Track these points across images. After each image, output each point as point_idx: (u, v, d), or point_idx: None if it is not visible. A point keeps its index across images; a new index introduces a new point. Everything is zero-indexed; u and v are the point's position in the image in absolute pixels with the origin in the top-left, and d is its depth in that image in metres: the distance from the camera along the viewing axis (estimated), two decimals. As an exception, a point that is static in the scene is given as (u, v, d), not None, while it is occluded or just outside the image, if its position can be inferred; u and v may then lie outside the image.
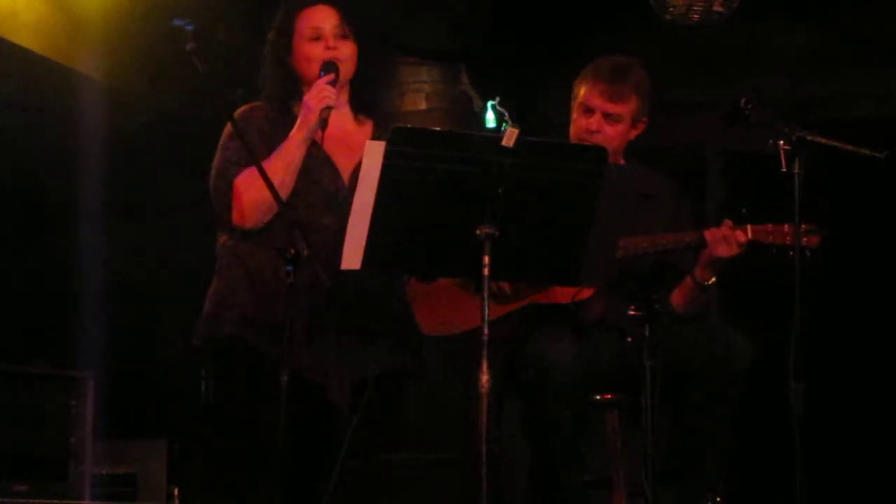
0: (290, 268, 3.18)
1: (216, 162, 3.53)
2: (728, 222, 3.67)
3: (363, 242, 3.09)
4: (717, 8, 4.95)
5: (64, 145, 5.17)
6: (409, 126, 3.13)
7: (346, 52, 3.55)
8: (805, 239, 3.50)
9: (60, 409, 4.87)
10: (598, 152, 3.30)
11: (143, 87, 5.47)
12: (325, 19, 3.57)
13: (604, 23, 5.96)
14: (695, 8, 4.94)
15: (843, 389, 5.55)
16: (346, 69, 3.55)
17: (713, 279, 3.74)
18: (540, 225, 3.18)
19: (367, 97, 3.65)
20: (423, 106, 6.37)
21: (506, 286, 3.76)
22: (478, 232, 3.07)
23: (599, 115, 3.82)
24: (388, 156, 3.04)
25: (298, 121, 3.42)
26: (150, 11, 5.06)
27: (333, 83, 3.43)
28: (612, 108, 3.81)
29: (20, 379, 4.75)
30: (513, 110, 4.10)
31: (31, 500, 4.49)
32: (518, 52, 6.21)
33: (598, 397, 3.80)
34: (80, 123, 5.18)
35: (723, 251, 3.64)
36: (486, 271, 3.06)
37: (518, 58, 6.17)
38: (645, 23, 5.24)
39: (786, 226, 3.62)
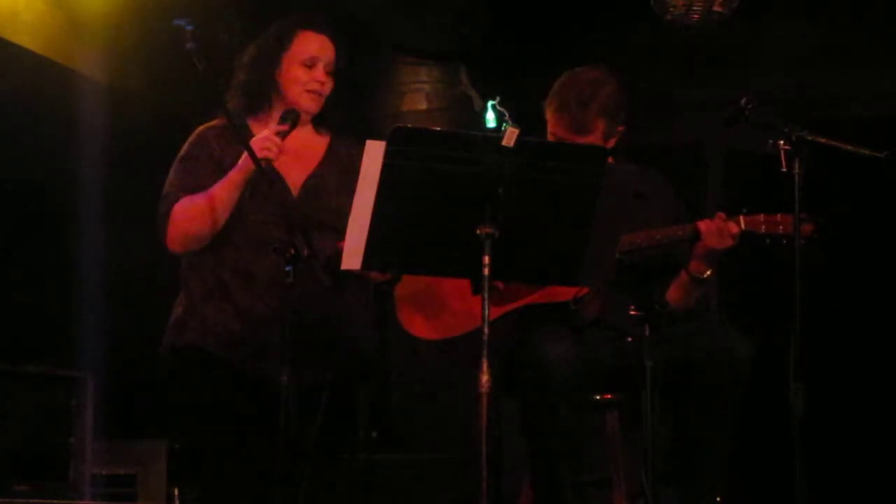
0: (289, 268, 3.19)
1: (167, 180, 3.61)
2: (721, 214, 3.67)
3: (363, 242, 3.09)
4: (717, 8, 4.95)
5: (64, 145, 5.17)
6: (409, 126, 3.13)
7: (328, 89, 3.64)
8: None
9: (60, 409, 4.87)
10: (598, 152, 3.30)
11: (143, 87, 5.47)
12: (323, 50, 3.64)
13: (604, 23, 5.96)
14: (695, 8, 4.94)
15: (843, 389, 5.55)
16: (320, 104, 3.64)
17: (709, 272, 3.74)
18: (540, 225, 3.19)
19: (328, 116, 3.71)
20: (423, 106, 6.38)
21: (499, 284, 3.75)
22: (478, 232, 3.07)
23: (569, 143, 3.80)
24: (388, 156, 3.04)
25: (239, 164, 3.45)
26: (150, 11, 5.06)
27: (283, 135, 3.47)
28: (580, 139, 3.78)
29: (20, 379, 4.75)
30: (513, 110, 4.09)
31: (31, 500, 4.48)
32: (518, 52, 6.21)
33: (598, 397, 3.80)
34: (80, 123, 5.18)
35: (716, 243, 3.64)
36: (486, 271, 3.06)
37: (518, 58, 6.17)
38: (645, 23, 5.24)
39: (778, 215, 3.62)
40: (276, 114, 3.61)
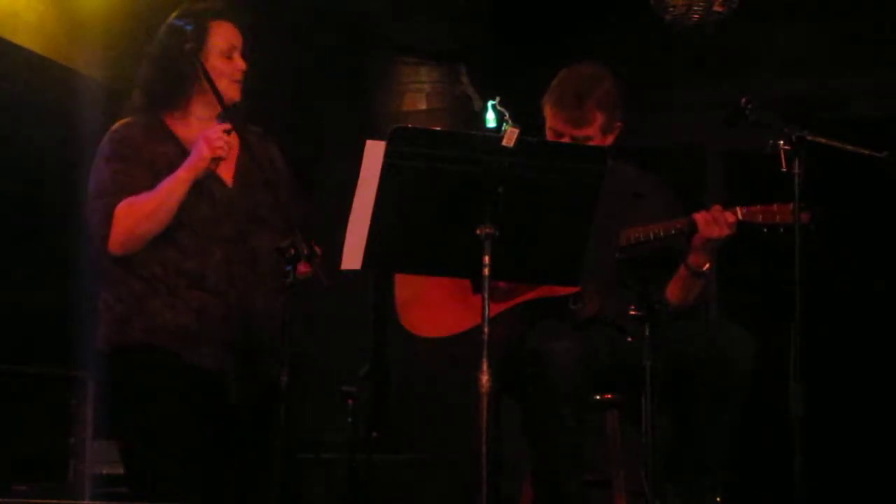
0: (289, 268, 3.20)
1: (96, 180, 3.54)
2: (717, 206, 3.68)
3: (363, 242, 3.09)
4: (717, 8, 4.96)
5: (64, 145, 5.16)
6: (409, 126, 3.14)
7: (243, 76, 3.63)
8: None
9: (60, 409, 4.86)
10: (598, 152, 3.30)
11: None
12: (237, 37, 3.64)
13: (604, 22, 5.96)
14: (695, 8, 4.95)
15: (843, 389, 5.56)
16: (240, 92, 3.60)
17: (707, 265, 3.74)
18: (540, 225, 3.19)
19: (237, 106, 3.65)
20: (423, 106, 6.38)
21: (501, 284, 3.75)
22: (478, 232, 3.07)
23: (568, 138, 3.82)
24: (388, 156, 3.04)
25: (188, 162, 3.43)
26: (150, 11, 5.05)
27: (229, 132, 3.45)
28: (578, 133, 3.80)
29: (20, 379, 4.74)
30: (513, 110, 4.09)
31: (31, 500, 4.48)
32: (518, 52, 6.21)
33: (598, 397, 3.80)
34: (80, 123, 5.18)
35: (714, 232, 3.65)
36: (486, 271, 3.06)
37: (518, 58, 6.17)
38: (645, 23, 5.24)
39: (775, 205, 3.63)
40: (196, 108, 3.59)
